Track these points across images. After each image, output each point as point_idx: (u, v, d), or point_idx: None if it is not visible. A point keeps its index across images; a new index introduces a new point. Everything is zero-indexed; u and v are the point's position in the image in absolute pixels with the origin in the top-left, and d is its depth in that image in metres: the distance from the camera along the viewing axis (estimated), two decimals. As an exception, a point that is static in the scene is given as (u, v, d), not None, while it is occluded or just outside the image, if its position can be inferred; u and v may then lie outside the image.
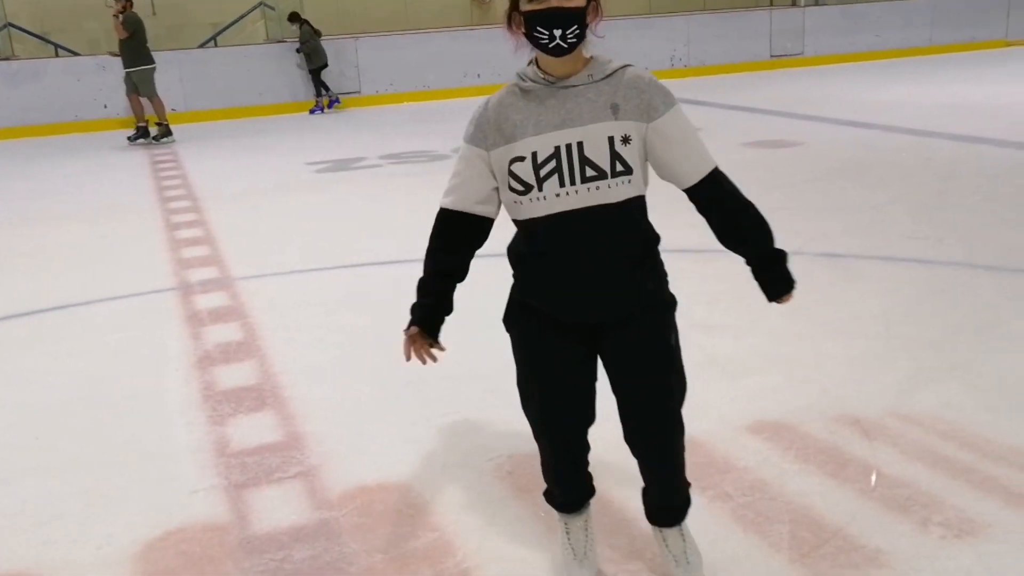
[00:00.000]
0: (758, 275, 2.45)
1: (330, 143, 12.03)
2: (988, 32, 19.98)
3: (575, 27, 2.15)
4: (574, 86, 2.23)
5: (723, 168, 2.42)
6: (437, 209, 2.41)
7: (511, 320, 2.48)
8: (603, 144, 2.20)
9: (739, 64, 17.95)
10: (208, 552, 2.96)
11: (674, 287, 2.59)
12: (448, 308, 2.45)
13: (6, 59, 14.82)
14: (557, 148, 2.20)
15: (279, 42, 15.94)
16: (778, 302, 2.45)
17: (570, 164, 2.20)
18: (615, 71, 2.26)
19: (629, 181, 2.24)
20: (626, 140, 2.21)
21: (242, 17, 16.93)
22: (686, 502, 2.63)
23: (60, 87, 14.42)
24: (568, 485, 2.66)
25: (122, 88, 12.71)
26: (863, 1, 19.32)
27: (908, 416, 3.56)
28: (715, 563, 2.71)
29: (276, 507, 3.19)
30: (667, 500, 2.62)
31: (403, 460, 3.48)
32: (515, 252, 2.39)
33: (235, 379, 4.33)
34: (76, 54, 15.40)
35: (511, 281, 2.48)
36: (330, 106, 15.33)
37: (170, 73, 14.71)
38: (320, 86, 15.22)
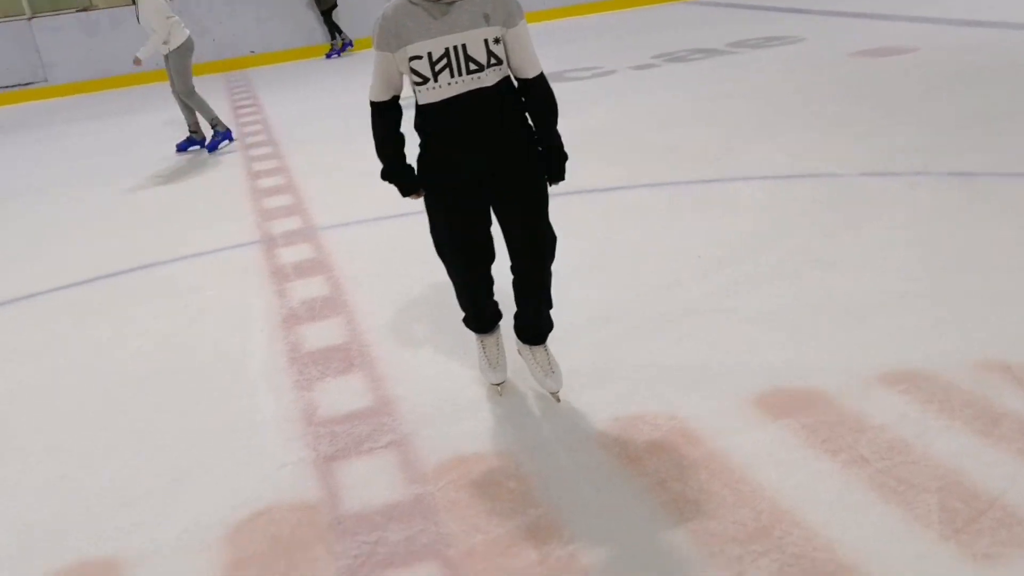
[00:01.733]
0: (545, 163, 3.12)
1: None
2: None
3: None
4: (454, 2, 2.87)
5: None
6: (370, 102, 3.09)
7: (425, 178, 3.14)
8: (480, 44, 2.90)
9: (841, -34, 16.98)
10: (298, 535, 2.82)
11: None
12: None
13: (84, 9, 14.89)
14: (447, 49, 2.88)
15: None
16: (549, 183, 3.16)
17: (457, 60, 2.90)
18: None
19: (499, 69, 2.97)
20: (497, 40, 2.93)
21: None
22: (551, 323, 3.44)
23: (139, 36, 14.42)
24: (482, 310, 3.43)
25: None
26: None
27: (1066, 359, 3.20)
28: (856, 540, 2.46)
29: (368, 482, 3.03)
30: (542, 320, 3.39)
31: (501, 425, 3.28)
32: (422, 128, 3.07)
33: (322, 339, 4.18)
34: (153, 0, 15.36)
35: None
36: (342, 49, 14.81)
37: (247, 14, 14.60)
38: (332, 28, 14.72)
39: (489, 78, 2.94)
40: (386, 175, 3.17)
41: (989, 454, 2.74)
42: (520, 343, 3.48)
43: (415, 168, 3.17)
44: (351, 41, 15.01)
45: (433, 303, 4.40)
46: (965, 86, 7.42)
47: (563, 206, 5.30)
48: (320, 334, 4.23)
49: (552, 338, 3.49)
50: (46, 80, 14.17)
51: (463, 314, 3.49)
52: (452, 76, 2.91)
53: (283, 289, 4.87)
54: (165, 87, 13.60)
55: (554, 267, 3.29)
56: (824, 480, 2.74)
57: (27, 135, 11.29)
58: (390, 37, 2.92)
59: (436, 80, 2.91)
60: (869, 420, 2.99)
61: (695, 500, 2.72)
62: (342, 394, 3.65)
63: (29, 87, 14.10)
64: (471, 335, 3.64)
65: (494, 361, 3.49)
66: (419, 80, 2.94)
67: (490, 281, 3.37)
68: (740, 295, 4.08)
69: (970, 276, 3.97)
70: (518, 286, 3.30)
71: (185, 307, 4.80)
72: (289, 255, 5.41)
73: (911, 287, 3.93)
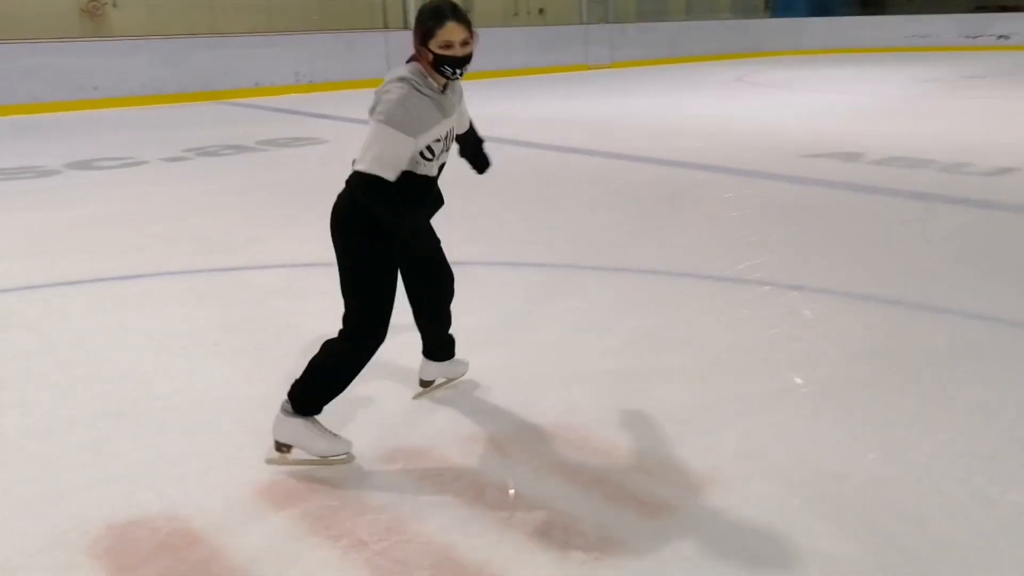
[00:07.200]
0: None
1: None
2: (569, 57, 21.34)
3: (467, 65, 2.93)
4: (444, 92, 2.99)
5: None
6: (371, 176, 2.77)
7: (370, 239, 2.90)
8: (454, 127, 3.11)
9: (358, 81, 17.59)
10: None
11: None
12: None
13: None
14: (447, 131, 3.02)
15: None
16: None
17: (448, 139, 3.06)
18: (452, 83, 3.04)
19: None
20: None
21: None
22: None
23: None
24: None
25: None
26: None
27: (538, 427, 3.28)
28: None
29: None
30: (450, 340, 3.57)
31: None
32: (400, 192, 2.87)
33: None
34: None
35: None
36: None
37: None
38: None
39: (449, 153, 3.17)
40: (413, 223, 2.95)
41: (474, 525, 2.66)
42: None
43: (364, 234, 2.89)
44: None
45: None
46: (457, 187, 7.75)
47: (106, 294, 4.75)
48: None
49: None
50: None
51: (310, 401, 2.99)
52: (444, 151, 3.05)
53: None
54: None
55: None
56: (325, 569, 2.48)
57: None
58: (418, 123, 2.86)
59: (437, 156, 3.01)
60: (369, 502, 2.80)
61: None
62: None
63: None
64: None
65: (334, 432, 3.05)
66: (429, 157, 2.97)
67: None
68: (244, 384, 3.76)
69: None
70: (431, 324, 3.48)
71: None
72: None
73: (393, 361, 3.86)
